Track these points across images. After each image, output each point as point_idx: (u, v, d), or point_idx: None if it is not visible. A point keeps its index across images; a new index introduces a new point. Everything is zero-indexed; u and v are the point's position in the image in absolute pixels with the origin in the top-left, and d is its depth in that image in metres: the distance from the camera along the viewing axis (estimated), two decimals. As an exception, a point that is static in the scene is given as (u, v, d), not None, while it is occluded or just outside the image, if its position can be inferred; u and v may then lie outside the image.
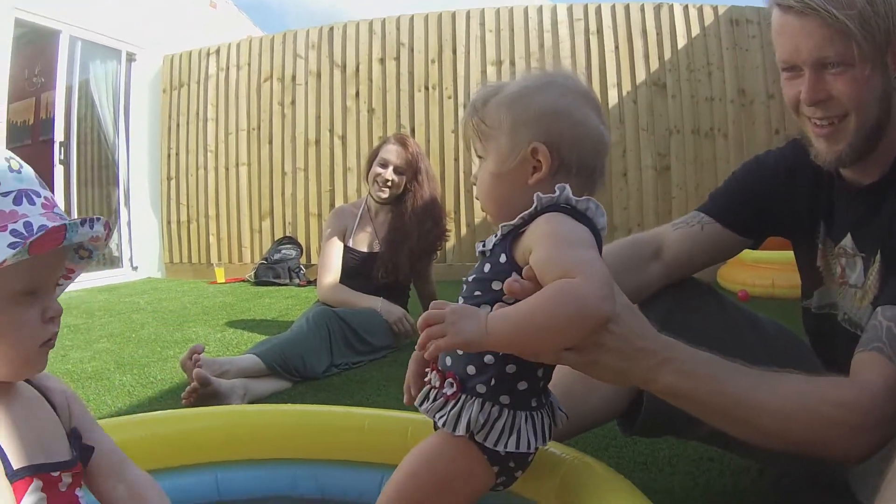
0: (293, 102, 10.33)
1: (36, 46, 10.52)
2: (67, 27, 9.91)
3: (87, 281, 9.32)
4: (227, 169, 10.66)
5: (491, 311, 1.40)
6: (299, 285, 9.09)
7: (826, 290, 2.04)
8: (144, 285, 9.61)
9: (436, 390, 1.53)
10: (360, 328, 4.26)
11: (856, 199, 1.88)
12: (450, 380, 1.50)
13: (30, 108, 11.40)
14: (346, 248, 4.86)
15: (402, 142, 4.85)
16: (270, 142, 10.43)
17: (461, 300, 1.55)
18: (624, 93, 9.15)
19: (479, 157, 1.64)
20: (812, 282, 2.09)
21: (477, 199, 1.71)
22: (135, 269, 10.85)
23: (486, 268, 1.53)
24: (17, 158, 1.32)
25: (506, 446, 1.45)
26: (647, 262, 2.16)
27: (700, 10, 9.11)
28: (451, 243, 8.34)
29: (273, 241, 10.09)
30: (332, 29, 10.30)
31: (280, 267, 9.38)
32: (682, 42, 9.11)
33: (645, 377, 1.48)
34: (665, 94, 9.08)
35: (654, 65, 9.15)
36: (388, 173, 4.72)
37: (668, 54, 9.12)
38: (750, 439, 1.58)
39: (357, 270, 4.77)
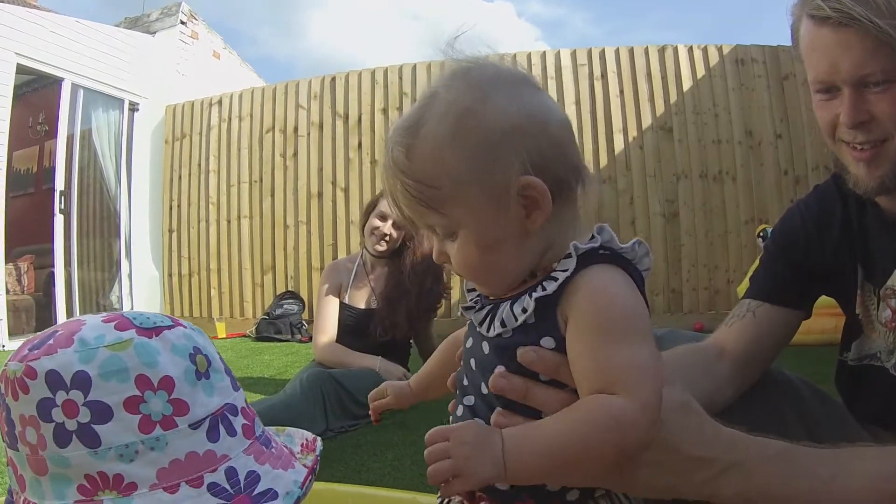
0: (295, 154, 10.26)
1: (40, 94, 10.56)
2: (70, 75, 9.94)
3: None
4: (228, 222, 10.57)
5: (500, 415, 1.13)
6: (301, 341, 8.94)
7: (866, 340, 1.84)
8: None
9: None
10: (357, 390, 4.03)
11: None
12: None
13: (33, 157, 11.42)
14: (342, 304, 4.69)
15: None
16: (273, 194, 10.35)
17: (473, 404, 1.21)
18: (630, 138, 9.03)
19: (438, 233, 1.19)
20: (851, 333, 1.89)
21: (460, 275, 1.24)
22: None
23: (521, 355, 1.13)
24: (203, 346, 1.04)
25: None
26: (713, 364, 1.86)
27: (705, 51, 9.03)
28: (455, 296, 8.15)
29: (275, 296, 9.96)
30: (333, 79, 10.25)
31: (282, 322, 9.25)
32: (687, 84, 9.02)
33: (701, 491, 1.20)
34: (671, 138, 8.96)
35: (660, 108, 9.04)
36: (387, 227, 4.53)
37: (673, 97, 9.02)
38: None
39: (354, 328, 4.60)
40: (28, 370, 0.94)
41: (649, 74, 9.11)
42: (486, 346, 1.19)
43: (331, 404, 3.92)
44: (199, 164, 10.83)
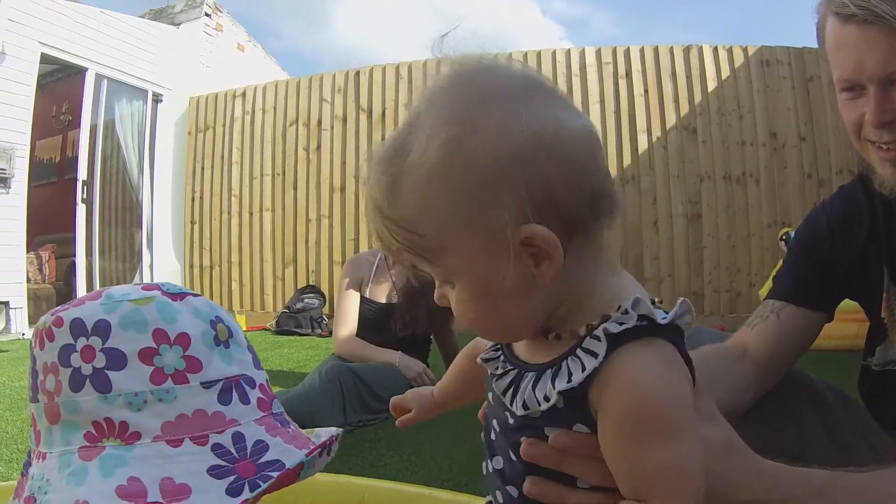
0: (318, 147, 10.28)
1: (64, 83, 10.62)
2: (93, 65, 10.01)
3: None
4: (251, 214, 10.60)
5: None
6: (321, 335, 8.91)
7: (891, 345, 1.81)
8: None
9: None
10: (376, 384, 4.04)
11: None
12: None
13: (56, 146, 11.49)
14: (362, 298, 4.67)
15: None
16: (295, 187, 10.36)
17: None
18: (654, 138, 9.00)
19: (435, 277, 1.03)
20: (875, 337, 1.86)
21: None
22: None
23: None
24: (226, 318, 1.05)
25: None
26: (736, 366, 1.84)
27: (730, 52, 8.98)
28: None
29: (296, 290, 9.96)
30: (358, 73, 10.25)
31: (302, 316, 9.24)
32: (712, 85, 8.97)
33: None
34: (695, 138, 8.91)
35: (685, 108, 9.00)
36: (409, 221, 4.48)
37: (697, 97, 8.98)
38: None
39: (374, 322, 4.57)
40: (56, 320, 0.98)
41: (674, 74, 9.07)
42: (510, 417, 1.05)
43: (349, 398, 3.91)
44: (222, 156, 10.87)
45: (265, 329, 9.46)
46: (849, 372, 2.03)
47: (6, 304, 8.68)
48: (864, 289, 1.85)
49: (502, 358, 1.09)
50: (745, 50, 8.96)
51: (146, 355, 0.95)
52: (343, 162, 10.10)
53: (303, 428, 3.16)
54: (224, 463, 0.90)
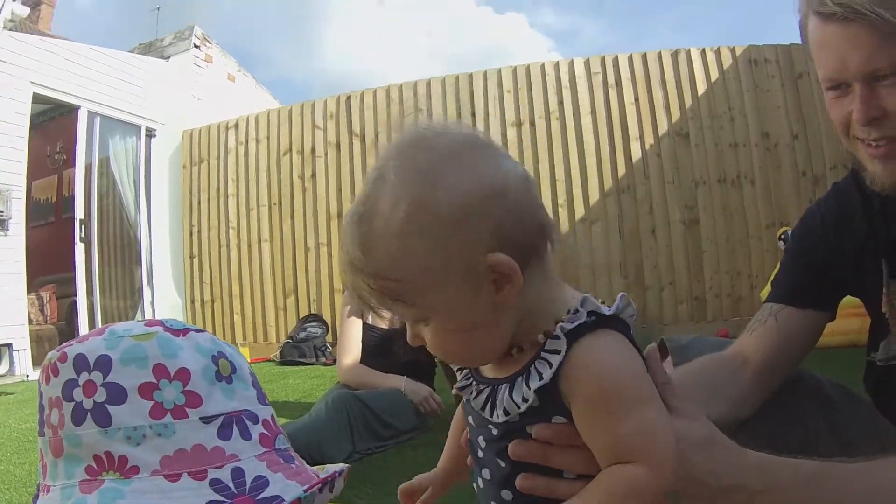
0: (313, 175, 10.29)
1: (57, 123, 10.66)
2: (86, 102, 10.05)
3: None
4: (249, 246, 10.59)
5: None
6: (325, 364, 8.90)
7: (893, 340, 1.79)
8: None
9: None
10: (383, 411, 4.03)
11: None
12: None
13: (52, 186, 11.54)
14: (365, 325, 4.65)
15: None
16: (292, 216, 10.37)
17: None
18: (647, 146, 9.01)
19: (410, 320, 1.14)
20: (878, 333, 1.84)
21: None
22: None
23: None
24: (230, 353, 1.06)
25: None
26: (736, 372, 1.84)
27: (718, 53, 9.03)
28: None
29: (298, 319, 9.94)
30: (349, 97, 10.28)
31: (306, 346, 9.22)
32: (701, 88, 9.00)
33: None
34: (688, 143, 8.93)
35: (676, 114, 9.02)
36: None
37: (688, 102, 9.01)
38: None
39: (378, 348, 4.56)
40: (61, 356, 1.00)
41: (663, 80, 9.09)
42: (493, 429, 1.15)
43: (357, 426, 3.88)
44: (218, 189, 10.88)
45: (269, 360, 9.44)
46: (853, 368, 2.02)
47: (9, 346, 8.67)
48: (863, 285, 1.84)
49: (474, 382, 1.19)
50: (732, 50, 8.99)
51: (146, 390, 0.96)
52: (339, 188, 10.08)
53: (311, 457, 3.12)
54: (222, 498, 0.90)
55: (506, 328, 1.10)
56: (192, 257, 11.00)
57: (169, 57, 12.00)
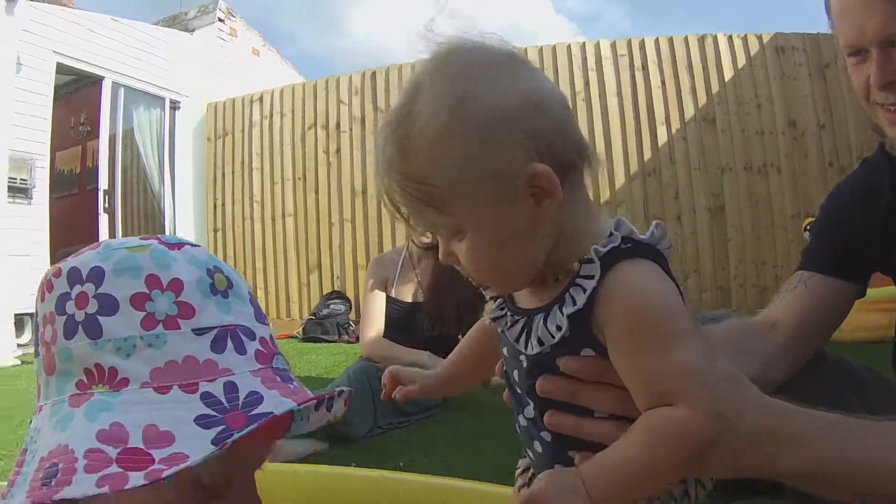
0: (338, 150, 10.26)
1: (81, 94, 10.64)
2: (110, 73, 10.08)
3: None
4: (273, 220, 10.59)
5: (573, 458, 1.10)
6: (348, 341, 8.86)
7: None
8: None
9: None
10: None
11: None
12: None
13: (76, 157, 11.51)
14: (388, 298, 4.63)
15: None
16: (317, 191, 10.35)
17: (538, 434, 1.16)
18: (673, 130, 8.93)
19: (443, 233, 1.10)
20: None
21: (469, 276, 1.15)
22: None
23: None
24: (227, 269, 1.02)
25: None
26: (765, 336, 1.83)
27: (745, 40, 8.92)
28: None
29: (321, 296, 9.91)
30: (374, 73, 10.24)
31: (329, 322, 9.17)
32: (728, 74, 8.90)
33: (761, 466, 1.15)
34: (715, 129, 8.85)
35: (702, 99, 8.92)
36: (434, 215, 4.40)
37: (715, 87, 8.90)
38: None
39: (401, 322, 4.53)
40: (56, 271, 0.98)
41: (690, 65, 9.00)
42: (524, 361, 1.14)
43: (379, 400, 3.84)
44: (242, 162, 10.87)
45: (292, 337, 9.37)
46: (881, 362, 1.98)
47: (32, 315, 8.68)
48: (890, 260, 1.83)
49: (509, 313, 1.17)
50: (759, 38, 8.88)
51: (138, 300, 0.92)
52: (364, 164, 10.01)
53: (331, 430, 3.09)
54: (213, 413, 0.87)
55: (541, 247, 1.07)
56: (215, 230, 11.01)
57: (193, 30, 12.00)
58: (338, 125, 10.30)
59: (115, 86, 10.21)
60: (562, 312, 1.05)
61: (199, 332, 0.92)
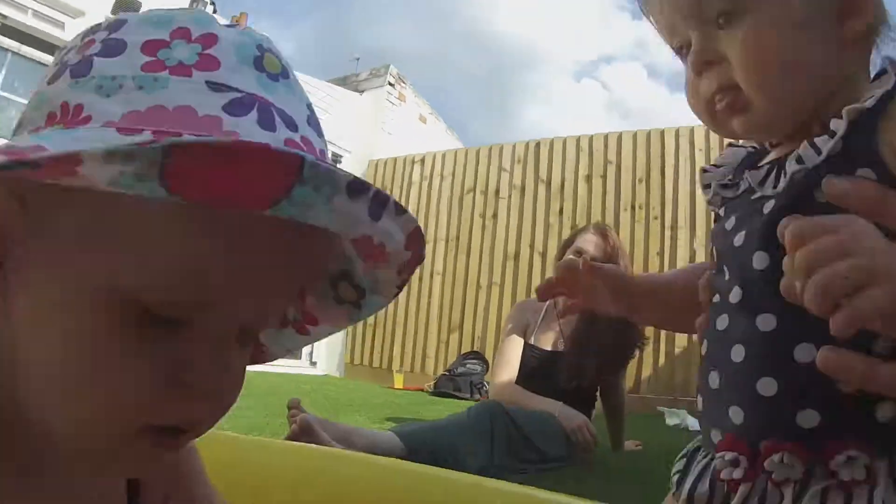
0: (495, 215, 10.21)
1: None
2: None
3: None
4: (419, 277, 10.51)
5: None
6: (479, 401, 8.52)
7: None
8: (319, 379, 9.42)
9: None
10: (530, 430, 3.64)
11: None
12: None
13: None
14: (527, 345, 4.30)
15: (602, 233, 4.25)
16: (468, 253, 10.32)
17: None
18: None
19: (715, 21, 0.89)
20: None
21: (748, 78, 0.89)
22: (313, 363, 10.91)
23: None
24: (286, 62, 0.72)
25: None
26: None
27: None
28: (646, 373, 7.88)
29: (459, 355, 9.70)
30: (538, 144, 10.20)
31: (462, 380, 8.88)
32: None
33: None
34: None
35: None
36: (583, 265, 4.09)
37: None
38: None
39: (537, 371, 4.18)
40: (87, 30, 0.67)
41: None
42: (766, 206, 0.87)
43: (499, 439, 3.51)
44: (398, 218, 10.85)
45: (421, 390, 9.18)
46: None
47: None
48: None
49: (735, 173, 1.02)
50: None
51: (151, 46, 0.61)
52: (519, 230, 9.96)
53: (444, 460, 2.73)
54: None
55: (832, 61, 0.86)
56: (363, 280, 10.97)
57: (363, 91, 12.28)
58: (497, 191, 10.28)
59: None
60: (840, 117, 0.80)
61: (215, 86, 0.60)
